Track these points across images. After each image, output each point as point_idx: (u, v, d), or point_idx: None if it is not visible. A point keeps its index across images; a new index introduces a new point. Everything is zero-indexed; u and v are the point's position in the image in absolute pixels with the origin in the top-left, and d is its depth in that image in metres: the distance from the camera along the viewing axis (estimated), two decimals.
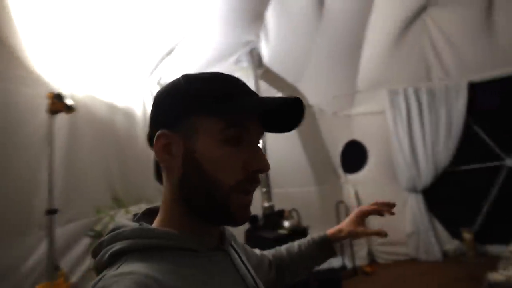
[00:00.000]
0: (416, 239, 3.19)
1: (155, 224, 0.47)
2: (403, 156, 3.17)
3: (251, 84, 2.53)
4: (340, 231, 0.76)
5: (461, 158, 3.19)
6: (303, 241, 0.77)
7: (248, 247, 0.68)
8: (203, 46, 2.52)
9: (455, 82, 3.05)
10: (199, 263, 0.43)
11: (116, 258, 0.40)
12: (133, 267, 0.37)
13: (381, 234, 0.73)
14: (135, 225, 0.44)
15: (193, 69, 2.50)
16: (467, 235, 3.02)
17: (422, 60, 3.03)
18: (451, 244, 3.15)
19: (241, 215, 0.44)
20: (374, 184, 3.31)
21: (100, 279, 0.36)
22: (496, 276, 1.81)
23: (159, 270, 0.37)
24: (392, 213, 0.78)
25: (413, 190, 3.20)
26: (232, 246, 0.54)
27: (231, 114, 0.43)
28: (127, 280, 0.34)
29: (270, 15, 2.54)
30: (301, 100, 0.44)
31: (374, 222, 3.09)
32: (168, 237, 0.43)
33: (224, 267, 0.47)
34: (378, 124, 3.27)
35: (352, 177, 3.46)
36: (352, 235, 0.75)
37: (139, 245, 0.41)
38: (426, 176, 3.14)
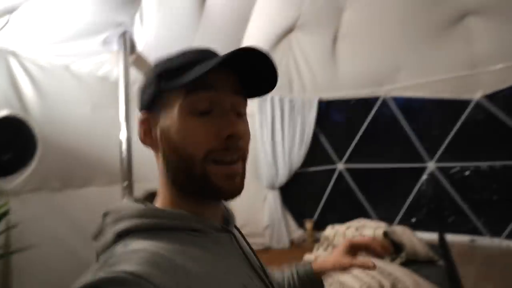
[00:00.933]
0: (271, 230, 3.61)
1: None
2: (266, 157, 3.54)
3: (120, 70, 2.26)
4: (325, 262, 0.70)
5: (309, 161, 3.83)
6: (288, 275, 0.69)
7: None
8: (61, 13, 2.08)
9: (309, 97, 3.65)
10: (205, 244, 0.43)
11: (121, 237, 0.39)
12: (144, 245, 0.36)
13: (369, 266, 0.64)
14: (139, 205, 0.43)
15: (49, 41, 2.02)
16: (308, 224, 3.65)
17: (287, 74, 3.47)
18: (297, 233, 3.73)
19: (225, 186, 0.43)
20: None
21: (111, 256, 0.36)
22: (308, 256, 2.09)
23: (167, 250, 0.37)
24: (374, 267, 0.64)
25: (272, 187, 3.62)
26: (236, 227, 0.54)
27: (188, 84, 0.41)
28: (139, 257, 0.33)
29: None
30: (254, 48, 0.42)
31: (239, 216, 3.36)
32: (174, 217, 0.42)
33: (230, 248, 0.47)
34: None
35: None
36: (338, 267, 0.68)
37: (146, 225, 0.40)
38: (282, 175, 3.60)
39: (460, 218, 3.52)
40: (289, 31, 3.14)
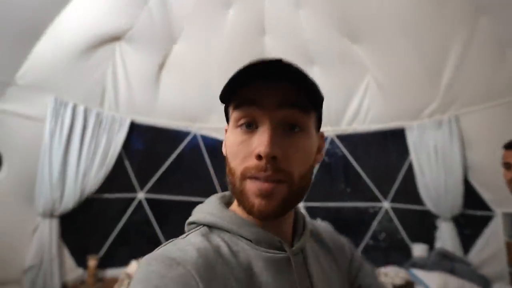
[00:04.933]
0: (34, 274, 2.73)
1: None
2: (50, 175, 2.79)
3: None
4: None
5: (107, 187, 3.36)
6: None
7: (360, 264, 0.58)
8: None
9: (121, 116, 3.33)
10: (249, 255, 0.43)
11: (190, 227, 0.48)
12: (195, 239, 0.43)
13: None
14: (218, 202, 0.49)
15: None
16: (92, 262, 3.07)
17: (100, 84, 3.05)
18: (74, 273, 3.02)
19: (256, 203, 0.41)
20: None
21: (172, 241, 0.45)
22: None
23: (209, 249, 0.41)
24: None
25: (50, 215, 2.83)
26: (314, 252, 0.51)
27: (232, 99, 0.44)
28: (186, 249, 0.40)
29: None
30: (268, 61, 0.39)
31: None
32: (229, 220, 0.46)
33: (278, 271, 0.43)
34: (28, 131, 2.71)
35: None
36: None
37: (207, 221, 0.47)
38: (69, 200, 2.92)
39: None
40: (115, 38, 2.85)
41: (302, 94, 0.43)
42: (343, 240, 0.60)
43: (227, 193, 0.56)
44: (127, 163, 3.62)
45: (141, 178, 3.77)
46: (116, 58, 3.01)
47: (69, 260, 3.03)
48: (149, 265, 0.37)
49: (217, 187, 4.06)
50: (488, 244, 2.69)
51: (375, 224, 3.67)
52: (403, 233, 3.45)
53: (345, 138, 3.88)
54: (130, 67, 3.11)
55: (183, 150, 3.97)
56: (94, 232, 3.39)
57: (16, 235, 2.69)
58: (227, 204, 0.54)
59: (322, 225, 0.60)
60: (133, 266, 1.73)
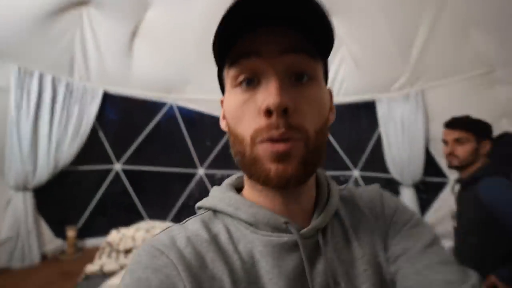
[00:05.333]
0: (11, 246, 2.73)
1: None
2: (20, 148, 2.70)
3: None
4: None
5: (82, 159, 3.31)
6: None
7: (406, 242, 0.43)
8: None
9: (93, 87, 3.20)
10: (251, 241, 0.38)
11: (198, 211, 0.44)
12: (192, 226, 0.40)
13: None
14: (225, 184, 0.45)
15: None
16: (70, 232, 3.10)
17: (68, 52, 2.88)
18: (53, 244, 3.05)
19: (272, 168, 0.35)
20: None
21: (169, 227, 0.40)
22: (90, 267, 1.89)
23: (202, 237, 0.38)
24: None
25: (23, 188, 2.79)
26: (342, 230, 0.43)
27: (226, 55, 0.37)
28: (176, 238, 0.37)
29: None
30: None
31: None
32: (228, 202, 0.41)
33: (280, 257, 0.37)
34: None
35: None
36: None
37: (209, 204, 0.42)
38: (43, 173, 2.87)
39: None
40: (81, 3, 2.66)
41: (310, 37, 0.36)
42: (388, 202, 0.46)
43: (235, 176, 0.50)
44: (101, 135, 3.56)
45: (118, 150, 3.73)
46: (84, 24, 2.84)
47: (47, 232, 3.04)
48: (138, 255, 0.36)
49: (195, 158, 4.12)
50: (441, 207, 3.00)
51: None
52: None
53: None
54: (100, 34, 2.95)
55: (159, 121, 3.93)
56: (71, 204, 3.38)
57: None
58: (239, 188, 0.48)
59: (363, 190, 0.49)
60: (113, 235, 1.78)
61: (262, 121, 0.35)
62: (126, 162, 3.77)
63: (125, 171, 3.76)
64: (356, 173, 3.81)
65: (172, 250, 0.36)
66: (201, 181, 4.24)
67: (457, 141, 1.35)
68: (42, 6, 2.49)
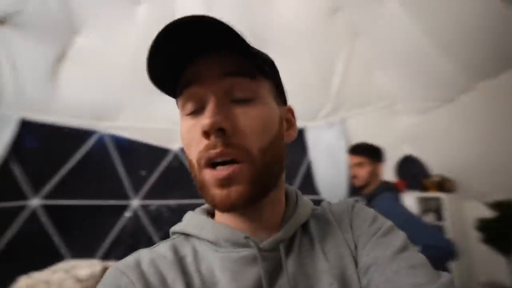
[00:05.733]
0: None
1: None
2: None
3: None
4: None
5: None
6: None
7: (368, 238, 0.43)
8: None
9: (6, 113, 2.89)
10: (212, 260, 0.39)
11: (170, 235, 0.47)
12: (161, 249, 0.42)
13: None
14: (198, 209, 0.46)
15: None
16: None
17: None
18: None
19: (216, 194, 0.36)
20: None
21: (140, 250, 0.43)
22: None
23: (167, 259, 0.39)
24: None
25: None
26: (309, 243, 0.43)
27: (170, 85, 0.40)
28: (140, 258, 0.40)
29: None
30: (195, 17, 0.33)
31: None
32: (195, 224, 0.42)
33: (237, 271, 0.37)
34: None
35: None
36: None
37: (179, 229, 0.45)
38: None
39: None
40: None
41: (243, 60, 0.37)
42: (358, 213, 0.46)
43: None
44: (15, 167, 3.16)
45: (36, 183, 3.33)
46: (8, 42, 2.61)
47: None
48: (104, 277, 0.38)
49: (128, 188, 3.89)
50: None
51: None
52: None
53: None
54: (19, 56, 2.73)
55: (89, 150, 3.66)
56: None
57: None
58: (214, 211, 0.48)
59: (336, 204, 0.49)
60: (21, 283, 1.54)
61: (202, 144, 0.37)
62: (47, 197, 3.38)
63: (46, 206, 3.36)
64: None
65: (134, 271, 0.37)
66: (135, 213, 3.99)
67: (358, 164, 1.57)
68: None
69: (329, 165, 3.50)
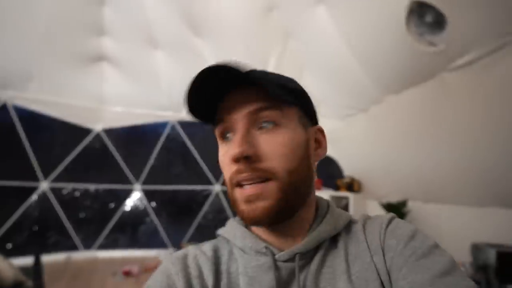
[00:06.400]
0: None
1: None
2: None
3: None
4: None
5: None
6: None
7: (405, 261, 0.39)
8: None
9: None
10: (240, 263, 0.45)
11: (216, 236, 0.52)
12: (205, 247, 0.49)
13: None
14: (238, 218, 0.49)
15: None
16: None
17: None
18: None
19: (245, 210, 0.41)
20: None
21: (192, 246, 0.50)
22: None
23: (206, 255, 0.47)
24: None
25: None
26: (332, 257, 0.45)
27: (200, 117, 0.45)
28: (187, 253, 0.47)
29: None
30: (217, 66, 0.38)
31: None
32: (230, 232, 0.49)
33: (254, 277, 0.43)
34: None
35: None
36: None
37: (221, 233, 0.50)
38: None
39: (63, 237, 3.71)
40: None
41: (267, 93, 0.42)
42: (394, 231, 0.44)
43: None
44: None
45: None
46: None
47: None
48: (161, 263, 0.47)
49: (36, 167, 3.49)
50: None
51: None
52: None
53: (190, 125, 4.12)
54: None
55: None
56: None
57: None
58: None
59: (373, 220, 0.49)
60: None
61: (233, 168, 0.41)
62: None
63: None
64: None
65: (180, 263, 0.45)
66: (44, 196, 3.61)
67: None
68: None
69: None
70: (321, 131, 0.51)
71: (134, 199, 4.17)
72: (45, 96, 3.34)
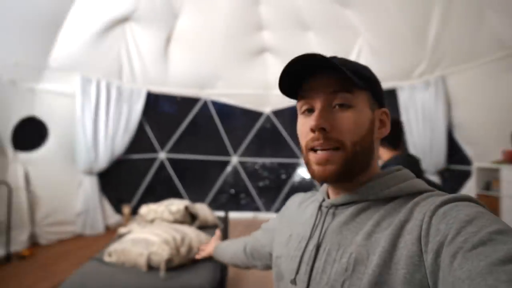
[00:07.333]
0: (84, 217, 3.49)
1: None
2: (85, 141, 3.40)
3: None
4: (211, 246, 1.12)
5: (132, 149, 3.97)
6: None
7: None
8: None
9: (138, 88, 3.79)
10: (312, 206, 0.61)
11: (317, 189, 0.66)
12: (309, 193, 0.69)
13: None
14: None
15: None
16: (126, 209, 3.79)
17: (117, 60, 3.48)
18: (113, 218, 3.78)
19: (315, 170, 0.51)
20: (50, 164, 3.24)
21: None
22: (122, 229, 2.07)
23: (305, 197, 0.68)
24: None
25: (89, 172, 3.51)
26: (359, 215, 0.50)
27: (289, 91, 0.54)
28: (299, 194, 0.71)
29: None
30: (308, 55, 0.47)
31: (45, 203, 3.06)
32: (320, 188, 0.62)
33: (312, 214, 0.58)
34: (65, 106, 3.28)
35: (23, 155, 3.15)
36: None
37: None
38: (103, 161, 3.57)
39: (250, 200, 4.70)
40: (123, 20, 3.20)
41: (344, 79, 0.49)
42: (445, 216, 0.39)
43: None
44: (147, 128, 4.18)
45: (161, 141, 4.34)
46: (128, 37, 3.39)
47: (109, 208, 3.78)
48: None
49: (228, 147, 4.54)
50: None
51: None
52: None
53: None
54: (141, 44, 3.48)
55: (196, 114, 4.42)
56: (126, 186, 4.10)
57: (67, 189, 3.42)
58: None
59: (432, 199, 0.44)
60: (144, 209, 2.24)
61: (310, 136, 0.51)
62: (169, 151, 4.36)
63: (168, 159, 4.36)
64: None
65: (292, 200, 0.72)
66: (234, 168, 4.67)
67: None
68: (95, 26, 3.07)
69: (423, 127, 3.16)
70: (386, 113, 0.56)
71: (301, 171, 4.66)
72: (229, 90, 4.24)
